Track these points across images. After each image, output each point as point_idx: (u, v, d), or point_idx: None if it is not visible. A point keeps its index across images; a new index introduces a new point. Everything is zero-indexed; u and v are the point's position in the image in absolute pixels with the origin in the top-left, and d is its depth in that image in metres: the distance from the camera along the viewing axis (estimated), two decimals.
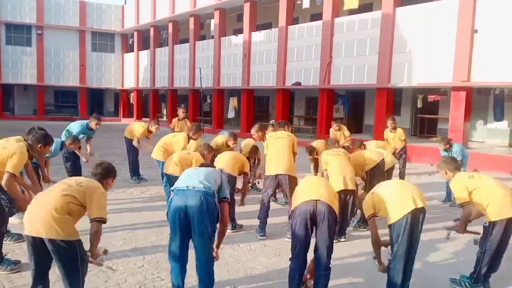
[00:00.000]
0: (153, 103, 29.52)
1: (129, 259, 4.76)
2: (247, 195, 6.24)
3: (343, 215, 5.39)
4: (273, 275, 4.43)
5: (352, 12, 16.59)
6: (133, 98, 31.50)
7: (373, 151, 6.77)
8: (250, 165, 8.30)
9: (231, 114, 23.47)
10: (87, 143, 8.13)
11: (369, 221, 3.97)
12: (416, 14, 13.97)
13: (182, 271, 3.68)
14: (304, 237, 3.57)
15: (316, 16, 18.15)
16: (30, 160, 4.72)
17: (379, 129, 13.19)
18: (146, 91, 31.34)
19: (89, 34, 32.35)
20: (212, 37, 23.58)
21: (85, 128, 7.97)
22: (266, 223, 5.67)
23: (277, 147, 5.79)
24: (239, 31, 22.23)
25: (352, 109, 19.37)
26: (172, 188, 3.72)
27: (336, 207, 3.63)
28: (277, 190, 6.09)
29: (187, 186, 3.53)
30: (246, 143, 7.63)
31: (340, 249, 5.16)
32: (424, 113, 17.02)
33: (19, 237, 5.03)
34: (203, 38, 25.89)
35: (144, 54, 30.28)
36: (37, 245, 3.09)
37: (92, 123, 7.99)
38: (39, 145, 4.29)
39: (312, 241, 3.66)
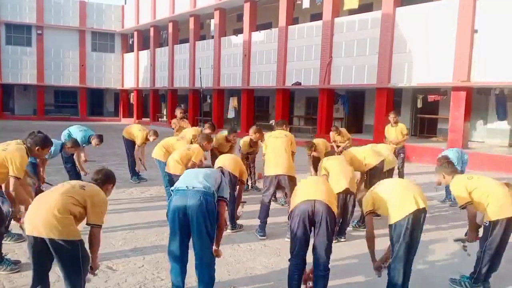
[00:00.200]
0: (153, 103, 29.53)
1: (129, 259, 4.76)
2: (246, 195, 6.24)
3: (343, 215, 5.40)
4: (273, 275, 4.43)
5: (352, 12, 16.59)
6: (133, 98, 31.51)
7: (375, 151, 6.70)
8: (249, 167, 8.44)
9: (231, 114, 23.47)
10: (81, 151, 8.01)
11: (366, 217, 3.99)
12: (416, 14, 13.97)
13: (182, 271, 3.69)
14: (303, 236, 3.57)
15: (316, 16, 18.15)
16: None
17: (379, 129, 13.19)
18: (146, 91, 31.34)
19: (89, 34, 32.35)
20: (212, 37, 23.58)
21: (86, 140, 7.92)
22: (266, 223, 5.68)
23: (275, 146, 5.80)
24: (239, 31, 22.23)
25: (352, 109, 19.37)
26: (172, 188, 3.73)
27: (334, 207, 3.63)
28: (276, 190, 6.09)
29: (187, 186, 3.54)
30: (244, 140, 7.97)
31: (340, 249, 5.16)
32: (424, 113, 17.01)
33: (19, 237, 5.04)
34: (203, 38, 25.90)
35: (144, 54, 30.29)
36: (38, 246, 3.09)
37: (94, 141, 7.95)
38: (37, 148, 4.30)
39: (311, 241, 3.66)
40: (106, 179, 3.53)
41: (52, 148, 6.51)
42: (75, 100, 33.14)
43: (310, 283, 3.75)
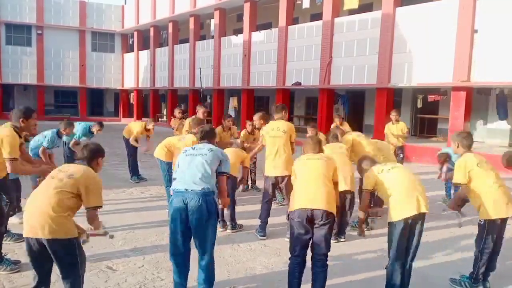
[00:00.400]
0: (153, 103, 29.52)
1: (129, 259, 4.76)
2: (246, 195, 6.25)
3: (342, 215, 5.37)
4: (273, 275, 4.43)
5: (352, 12, 16.58)
6: (133, 98, 31.51)
7: (379, 148, 6.48)
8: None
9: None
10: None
11: (363, 193, 4.02)
12: (416, 14, 13.97)
13: (184, 271, 3.70)
14: (303, 237, 3.57)
15: (316, 16, 18.14)
16: (24, 141, 4.73)
17: (379, 129, 13.19)
18: (146, 91, 31.34)
19: (89, 34, 32.35)
20: (212, 37, 23.58)
21: (87, 131, 8.41)
22: (267, 223, 5.67)
23: (274, 144, 5.66)
24: (239, 31, 22.23)
25: (352, 109, 19.37)
26: (171, 187, 3.73)
27: (334, 209, 3.62)
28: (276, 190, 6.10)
29: (185, 189, 3.54)
30: (244, 133, 8.52)
31: (340, 249, 5.16)
32: (424, 113, 17.02)
33: (19, 237, 5.03)
34: (203, 38, 25.89)
35: (144, 54, 30.28)
36: (37, 246, 3.08)
37: (94, 128, 8.51)
38: (21, 120, 4.24)
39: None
40: (93, 155, 3.38)
41: (48, 137, 6.64)
42: (75, 100, 33.14)
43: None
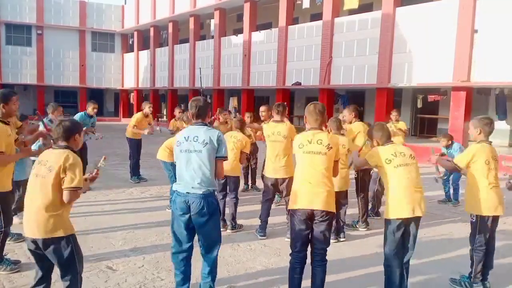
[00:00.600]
0: (153, 103, 29.47)
1: (129, 259, 4.75)
2: (246, 195, 6.23)
3: (337, 215, 5.33)
4: (273, 275, 4.43)
5: (352, 12, 16.59)
6: (133, 98, 31.50)
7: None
8: (250, 167, 8.44)
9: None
10: (90, 132, 8.19)
11: (362, 159, 4.16)
12: (416, 14, 13.98)
13: (185, 271, 3.70)
14: (303, 233, 3.60)
15: (316, 16, 18.15)
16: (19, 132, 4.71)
17: None
18: (146, 91, 31.34)
19: (89, 34, 32.37)
20: (212, 37, 23.59)
21: (84, 117, 8.24)
22: (267, 222, 5.67)
23: (274, 149, 5.64)
24: (239, 31, 22.24)
25: None
26: (174, 188, 3.73)
27: (333, 208, 3.65)
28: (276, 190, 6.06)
29: (187, 192, 3.55)
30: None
31: (340, 249, 5.17)
32: (424, 113, 17.02)
33: (19, 237, 5.03)
34: (203, 38, 25.90)
35: (144, 54, 30.29)
36: (36, 245, 3.11)
37: (89, 108, 8.36)
38: (1, 105, 4.09)
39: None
40: (68, 133, 3.22)
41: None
42: (75, 100, 33.14)
43: None
